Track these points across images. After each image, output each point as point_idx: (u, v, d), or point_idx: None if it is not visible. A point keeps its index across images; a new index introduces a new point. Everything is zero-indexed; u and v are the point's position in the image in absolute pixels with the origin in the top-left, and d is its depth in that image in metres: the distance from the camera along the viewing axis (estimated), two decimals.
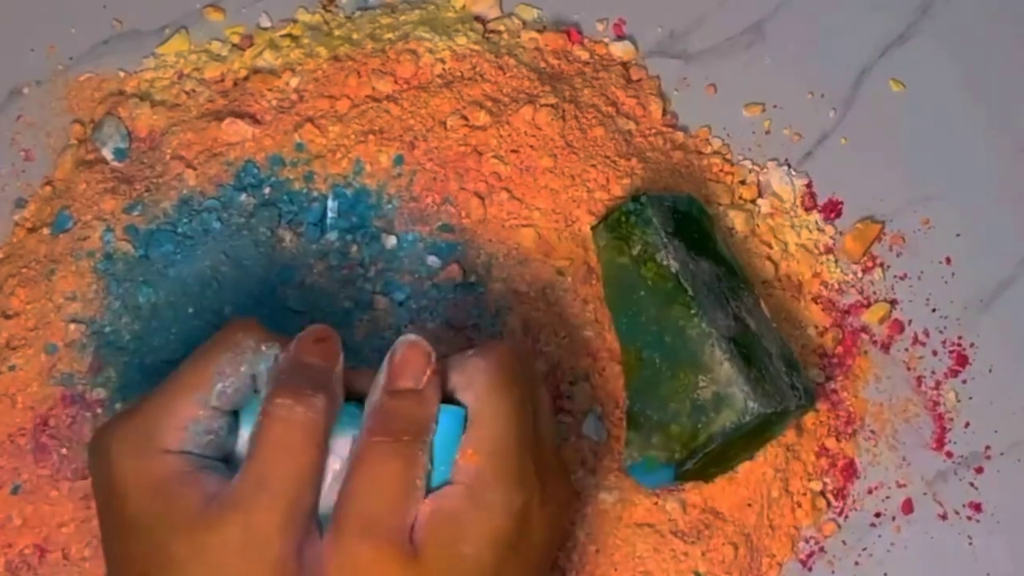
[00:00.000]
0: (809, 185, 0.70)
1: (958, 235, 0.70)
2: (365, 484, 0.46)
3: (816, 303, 0.68)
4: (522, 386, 0.49)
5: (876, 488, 0.66)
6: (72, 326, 0.62)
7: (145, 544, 0.46)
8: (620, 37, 0.72)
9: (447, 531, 0.46)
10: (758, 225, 0.68)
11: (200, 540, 0.45)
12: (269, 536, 0.45)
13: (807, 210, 0.70)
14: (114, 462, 0.48)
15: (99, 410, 0.61)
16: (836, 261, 0.69)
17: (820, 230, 0.69)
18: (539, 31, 0.71)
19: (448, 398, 0.49)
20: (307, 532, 0.46)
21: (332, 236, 0.64)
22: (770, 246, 0.68)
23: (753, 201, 0.69)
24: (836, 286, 0.68)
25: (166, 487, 0.47)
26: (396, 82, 0.67)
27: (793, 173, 0.70)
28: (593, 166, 0.66)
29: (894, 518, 0.66)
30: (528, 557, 0.48)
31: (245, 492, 0.46)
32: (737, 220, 0.67)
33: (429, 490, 0.47)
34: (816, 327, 0.67)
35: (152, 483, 0.47)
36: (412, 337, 0.48)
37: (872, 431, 0.67)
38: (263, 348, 0.49)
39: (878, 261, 0.69)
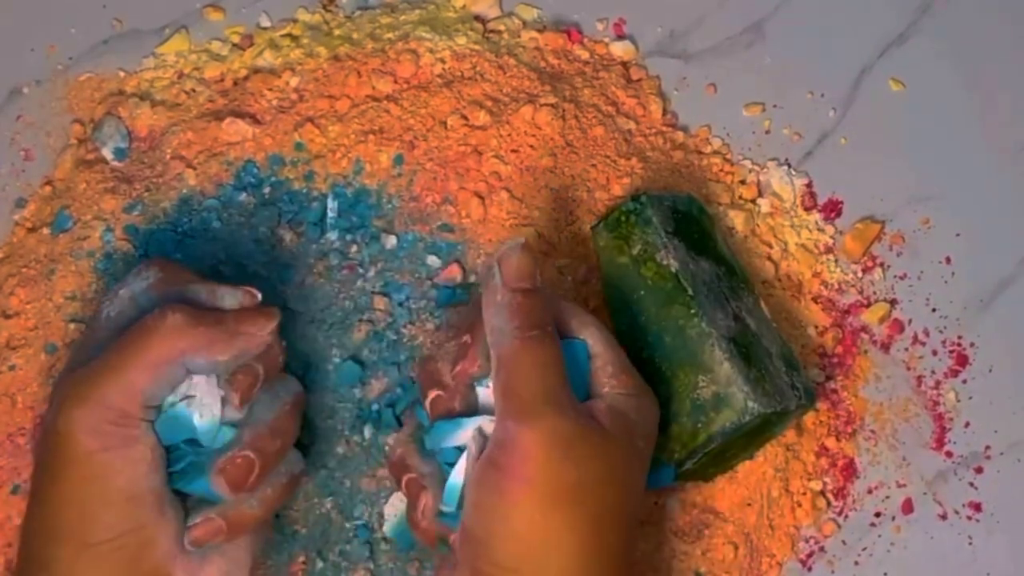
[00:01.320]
0: (809, 185, 0.70)
1: (958, 235, 0.70)
2: (537, 370, 0.51)
3: (816, 303, 0.68)
4: None
5: (876, 488, 0.66)
6: (72, 326, 0.62)
7: None
8: (620, 37, 0.72)
9: (624, 426, 0.53)
10: (758, 225, 0.68)
11: None
12: None
13: (807, 210, 0.70)
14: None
15: None
16: (836, 261, 0.69)
17: (820, 230, 0.69)
18: (539, 31, 0.71)
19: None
20: None
21: (332, 236, 0.64)
22: (770, 246, 0.68)
23: (753, 201, 0.69)
24: (836, 286, 0.68)
25: None
26: (396, 82, 0.67)
27: (793, 173, 0.70)
28: (593, 166, 0.66)
29: (894, 518, 0.66)
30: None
31: None
32: (737, 220, 0.67)
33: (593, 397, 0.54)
34: (816, 327, 0.67)
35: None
36: (522, 240, 0.53)
37: (872, 431, 0.67)
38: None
39: (878, 261, 0.69)
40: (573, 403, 0.52)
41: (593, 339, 0.55)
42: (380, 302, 0.62)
